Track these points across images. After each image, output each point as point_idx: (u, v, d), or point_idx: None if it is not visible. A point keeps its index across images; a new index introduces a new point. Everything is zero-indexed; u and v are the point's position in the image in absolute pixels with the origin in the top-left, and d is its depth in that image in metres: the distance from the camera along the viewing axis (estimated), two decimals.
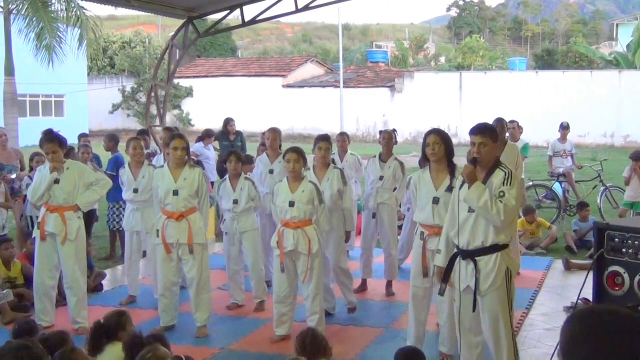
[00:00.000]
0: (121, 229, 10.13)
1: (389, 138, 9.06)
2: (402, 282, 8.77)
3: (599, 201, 13.65)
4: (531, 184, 14.33)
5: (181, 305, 7.81)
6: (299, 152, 7.20)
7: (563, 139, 14.56)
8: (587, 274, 5.19)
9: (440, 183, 6.30)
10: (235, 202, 8.20)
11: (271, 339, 7.24)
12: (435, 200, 6.27)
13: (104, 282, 9.48)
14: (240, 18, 13.88)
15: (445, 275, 5.59)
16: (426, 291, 6.49)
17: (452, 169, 6.33)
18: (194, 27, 14.31)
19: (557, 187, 14.07)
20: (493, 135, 5.40)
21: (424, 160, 6.54)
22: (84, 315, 7.59)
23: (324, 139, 7.99)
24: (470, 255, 5.38)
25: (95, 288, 9.12)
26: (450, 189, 6.17)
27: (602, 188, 13.95)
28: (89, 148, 10.94)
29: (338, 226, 7.90)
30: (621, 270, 4.93)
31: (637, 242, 4.93)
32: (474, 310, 5.41)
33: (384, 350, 6.71)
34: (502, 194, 5.20)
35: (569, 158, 14.47)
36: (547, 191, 14.06)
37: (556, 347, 2.24)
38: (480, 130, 5.43)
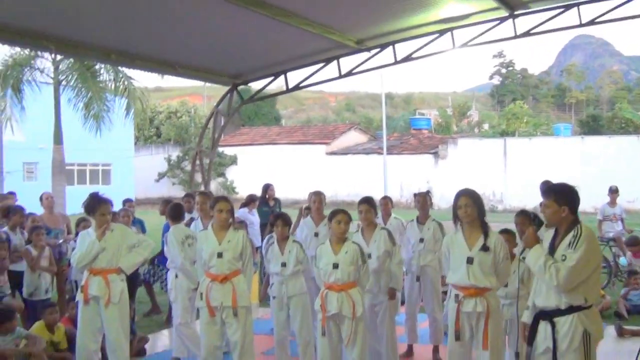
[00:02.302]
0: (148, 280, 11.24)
1: (423, 201, 9.05)
2: None
3: None
4: None
5: None
6: (348, 214, 7.20)
7: (612, 202, 14.34)
8: None
9: (474, 243, 6.24)
10: (284, 264, 8.09)
11: None
12: (470, 260, 6.19)
13: (146, 346, 9.42)
14: (284, 86, 14.09)
15: (530, 336, 5.48)
16: (461, 355, 6.35)
17: (485, 228, 6.28)
18: (238, 93, 14.50)
19: (607, 252, 13.78)
20: (557, 197, 5.30)
21: (456, 221, 6.47)
22: None
23: (363, 201, 8.01)
24: (548, 315, 5.29)
25: (137, 352, 9.06)
26: (484, 248, 6.14)
27: None
28: (129, 211, 11.00)
29: (386, 287, 7.77)
30: None
31: None
32: None
33: None
34: (563, 257, 5.13)
35: (619, 222, 14.21)
36: None
37: None
38: (544, 191, 5.41)
